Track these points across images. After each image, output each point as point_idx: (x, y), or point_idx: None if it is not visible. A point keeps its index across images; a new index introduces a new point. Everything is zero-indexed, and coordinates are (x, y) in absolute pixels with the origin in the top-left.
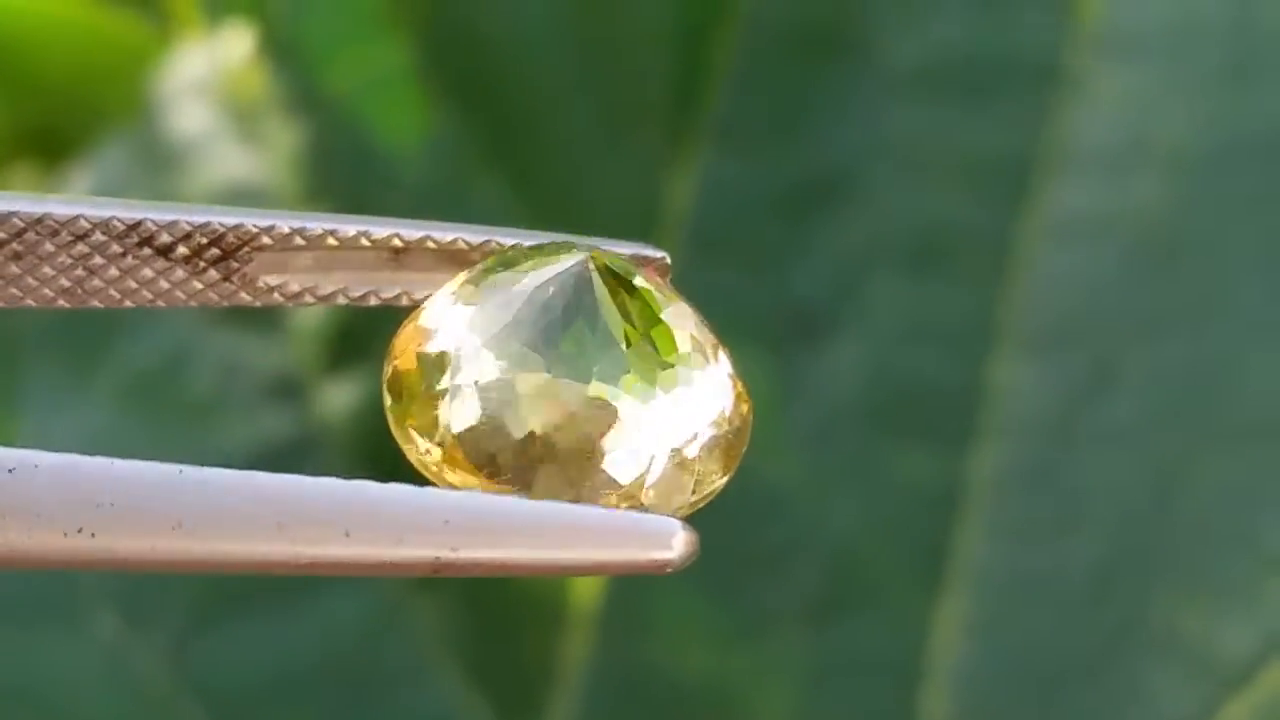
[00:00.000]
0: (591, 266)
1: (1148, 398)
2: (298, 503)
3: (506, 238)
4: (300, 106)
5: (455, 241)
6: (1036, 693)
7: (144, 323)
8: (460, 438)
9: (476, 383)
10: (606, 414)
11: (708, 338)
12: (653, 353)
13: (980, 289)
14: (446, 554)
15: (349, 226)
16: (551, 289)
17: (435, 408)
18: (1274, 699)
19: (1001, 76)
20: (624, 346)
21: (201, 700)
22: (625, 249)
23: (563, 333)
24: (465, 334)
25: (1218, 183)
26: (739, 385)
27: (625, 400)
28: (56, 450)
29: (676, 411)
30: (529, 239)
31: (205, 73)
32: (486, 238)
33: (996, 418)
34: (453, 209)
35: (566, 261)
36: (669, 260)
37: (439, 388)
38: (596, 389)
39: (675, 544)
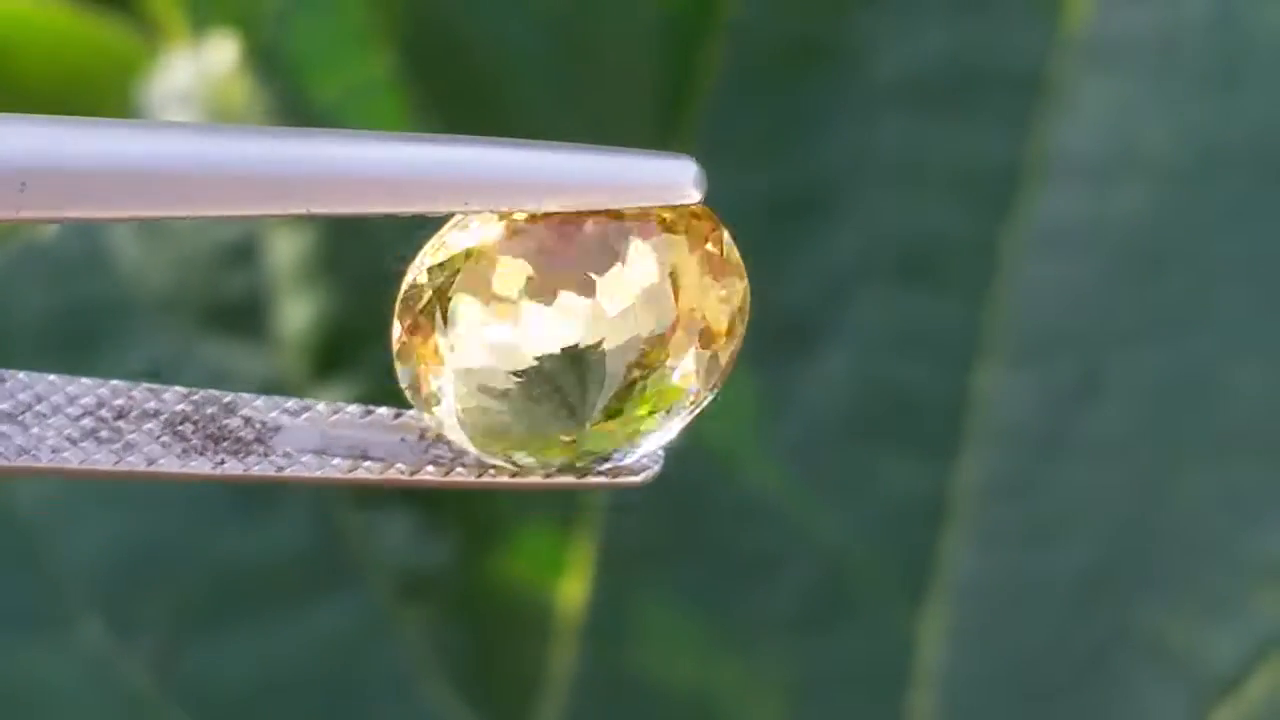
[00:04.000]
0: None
1: (1133, 407)
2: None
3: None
4: (285, 116)
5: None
6: (1024, 702)
7: (132, 331)
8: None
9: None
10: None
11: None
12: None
13: (966, 299)
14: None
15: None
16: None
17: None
18: (1261, 707)
19: (987, 86)
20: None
21: (188, 709)
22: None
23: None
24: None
25: (1202, 191)
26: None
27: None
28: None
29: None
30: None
31: (191, 82)
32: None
33: (983, 427)
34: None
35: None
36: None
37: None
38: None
39: (693, 186)
